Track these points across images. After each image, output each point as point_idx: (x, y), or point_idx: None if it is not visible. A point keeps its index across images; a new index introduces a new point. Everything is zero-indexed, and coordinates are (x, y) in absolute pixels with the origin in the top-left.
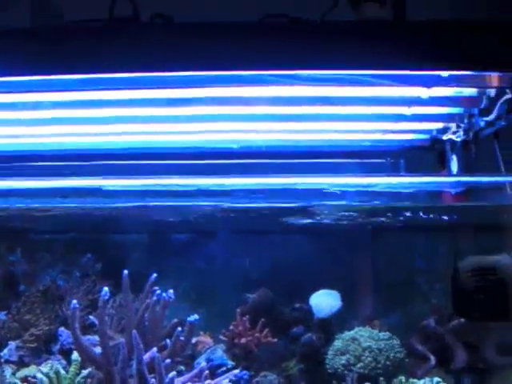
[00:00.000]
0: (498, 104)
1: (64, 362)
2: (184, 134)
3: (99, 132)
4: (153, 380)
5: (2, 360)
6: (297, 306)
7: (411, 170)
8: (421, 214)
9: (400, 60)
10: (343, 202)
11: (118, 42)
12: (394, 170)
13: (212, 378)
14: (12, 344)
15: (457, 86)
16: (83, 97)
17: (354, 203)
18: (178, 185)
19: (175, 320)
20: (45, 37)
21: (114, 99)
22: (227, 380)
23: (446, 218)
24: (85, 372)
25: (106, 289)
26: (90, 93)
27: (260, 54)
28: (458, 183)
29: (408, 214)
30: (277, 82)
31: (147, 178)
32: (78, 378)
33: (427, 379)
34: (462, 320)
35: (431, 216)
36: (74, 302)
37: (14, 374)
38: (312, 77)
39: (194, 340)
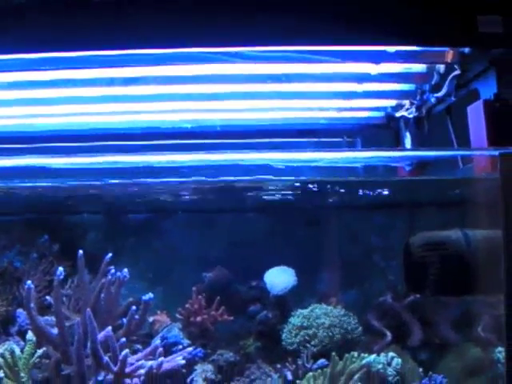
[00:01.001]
0: (448, 80)
1: (22, 343)
2: (137, 113)
3: (50, 113)
4: (107, 358)
5: None
6: (253, 283)
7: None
8: (376, 190)
9: (347, 35)
10: (298, 178)
11: (67, 21)
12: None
13: (166, 356)
14: None
15: (405, 61)
16: (34, 77)
17: (309, 179)
18: (125, 162)
19: (130, 299)
20: None
21: (64, 79)
22: (181, 357)
23: (401, 194)
24: (40, 351)
25: (60, 269)
26: (39, 73)
27: (204, 31)
28: (412, 157)
29: (364, 190)
30: (224, 60)
31: (96, 155)
32: (34, 358)
33: (382, 354)
34: (418, 296)
35: (387, 193)
36: (29, 282)
37: None
38: (259, 55)
39: (150, 319)
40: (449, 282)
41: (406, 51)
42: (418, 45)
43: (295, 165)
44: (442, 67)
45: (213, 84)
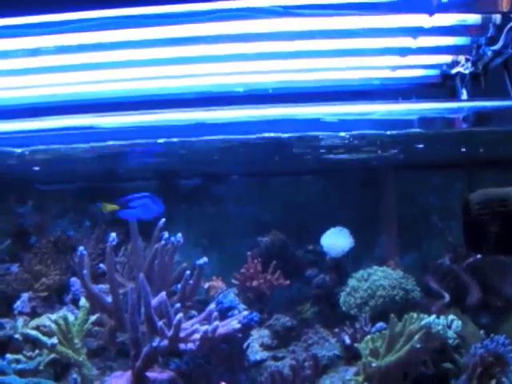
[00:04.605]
0: (504, 31)
1: (77, 311)
2: (187, 77)
3: (96, 80)
4: (161, 323)
5: (16, 312)
6: (310, 247)
7: None
8: (433, 148)
9: None
10: (352, 134)
11: None
12: None
13: (222, 321)
14: (25, 295)
15: (459, 11)
16: (80, 41)
17: (364, 136)
18: (178, 119)
19: (184, 264)
20: None
21: (111, 42)
22: (236, 321)
23: (459, 152)
24: (93, 318)
25: (113, 234)
26: (85, 36)
27: None
28: (469, 112)
29: (420, 148)
30: (272, 15)
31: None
32: (87, 325)
33: (442, 317)
34: (478, 257)
35: (444, 150)
36: (81, 248)
37: (26, 324)
38: (306, 12)
39: (206, 285)
40: (510, 240)
41: (459, 0)
42: None
43: (349, 118)
44: (497, 17)
45: (261, 42)
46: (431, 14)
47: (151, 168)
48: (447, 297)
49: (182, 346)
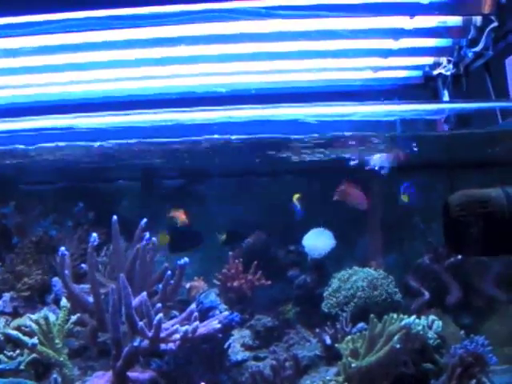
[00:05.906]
0: (485, 33)
1: (58, 311)
2: (169, 78)
3: (81, 80)
4: (141, 323)
5: None
6: (292, 248)
7: None
8: (415, 149)
9: None
10: (331, 135)
11: None
12: None
13: (202, 321)
14: (6, 295)
15: (439, 13)
16: (62, 41)
17: (343, 136)
18: (158, 120)
19: (166, 264)
20: None
21: (93, 42)
22: (217, 321)
23: (440, 153)
24: (74, 318)
25: (94, 235)
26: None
27: None
28: (451, 114)
29: (401, 149)
30: (254, 17)
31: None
32: (68, 325)
33: (423, 317)
34: (459, 258)
35: (425, 152)
36: (62, 248)
37: (8, 324)
38: (288, 13)
39: (187, 285)
40: (490, 241)
41: (440, 2)
42: None
43: (328, 119)
44: (478, 19)
45: (244, 43)
46: (412, 15)
47: (134, 168)
48: (427, 294)
49: (162, 346)
